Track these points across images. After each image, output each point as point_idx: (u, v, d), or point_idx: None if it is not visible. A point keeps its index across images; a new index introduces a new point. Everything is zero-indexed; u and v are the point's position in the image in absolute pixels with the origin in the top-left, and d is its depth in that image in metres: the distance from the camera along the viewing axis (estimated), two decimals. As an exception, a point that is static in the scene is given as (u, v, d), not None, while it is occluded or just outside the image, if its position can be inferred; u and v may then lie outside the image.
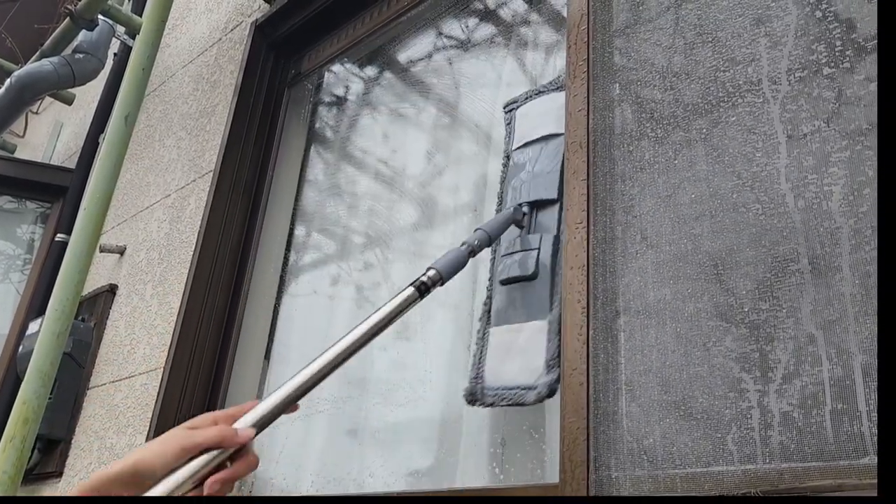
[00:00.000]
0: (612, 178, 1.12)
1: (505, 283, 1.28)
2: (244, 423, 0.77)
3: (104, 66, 3.03)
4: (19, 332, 2.64)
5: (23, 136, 4.25)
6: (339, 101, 2.18)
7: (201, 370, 1.89)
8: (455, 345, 1.47)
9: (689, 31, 1.11)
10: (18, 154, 3.95)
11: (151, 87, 2.79)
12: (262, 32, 2.28)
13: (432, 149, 1.79)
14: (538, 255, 1.24)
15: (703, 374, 0.93)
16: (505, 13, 1.74)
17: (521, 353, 1.20)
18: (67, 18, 2.82)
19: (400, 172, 1.85)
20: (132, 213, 2.54)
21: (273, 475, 1.72)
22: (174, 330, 1.92)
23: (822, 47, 0.96)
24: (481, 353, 1.28)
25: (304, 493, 1.60)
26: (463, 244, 1.14)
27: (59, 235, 2.74)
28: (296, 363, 1.86)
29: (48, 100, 3.64)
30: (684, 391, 0.93)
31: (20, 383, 1.75)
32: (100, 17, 2.84)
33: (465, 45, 1.81)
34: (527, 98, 1.43)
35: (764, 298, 0.91)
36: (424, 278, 1.04)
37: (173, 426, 1.89)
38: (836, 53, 0.95)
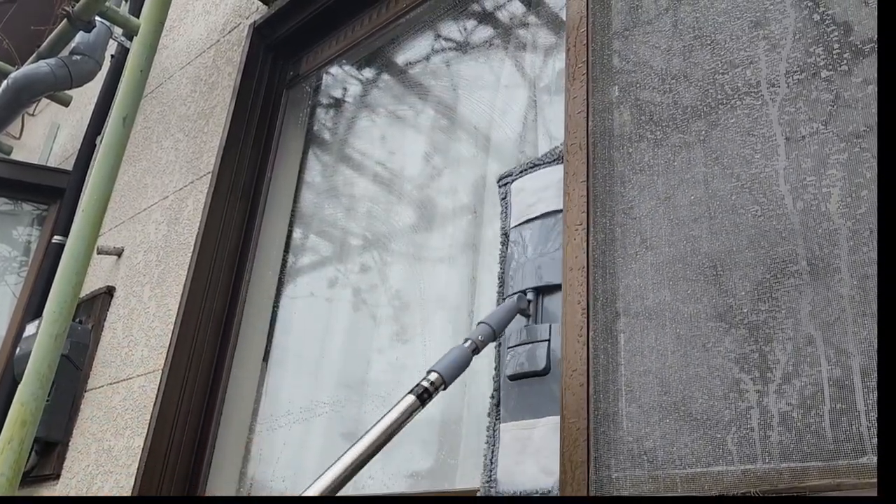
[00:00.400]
0: (611, 179, 1.13)
1: (514, 378, 1.18)
2: None
3: (101, 67, 3.02)
4: (16, 335, 2.64)
5: (19, 138, 4.24)
6: (338, 103, 2.18)
7: (200, 372, 1.89)
8: (454, 345, 1.48)
9: (688, 33, 1.12)
10: (15, 156, 3.94)
11: (149, 89, 2.79)
12: (260, 34, 2.28)
13: (431, 151, 1.79)
14: (548, 346, 1.15)
15: (703, 375, 0.93)
16: (504, 15, 1.75)
17: (535, 453, 1.12)
18: (65, 20, 2.81)
19: (398, 174, 1.85)
20: (130, 214, 2.54)
21: (272, 478, 1.72)
22: (172, 332, 1.92)
23: (819, 50, 0.97)
24: (493, 452, 1.17)
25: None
26: (466, 340, 1.07)
27: (56, 237, 2.73)
28: (294, 365, 1.86)
29: (45, 101, 3.63)
30: (684, 392, 0.94)
31: (17, 385, 1.75)
32: (97, 18, 2.84)
33: (463, 48, 1.82)
34: (522, 171, 1.32)
35: (763, 300, 0.91)
36: (426, 383, 0.98)
37: (172, 429, 1.88)
38: (834, 56, 0.95)
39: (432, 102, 1.85)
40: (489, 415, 1.22)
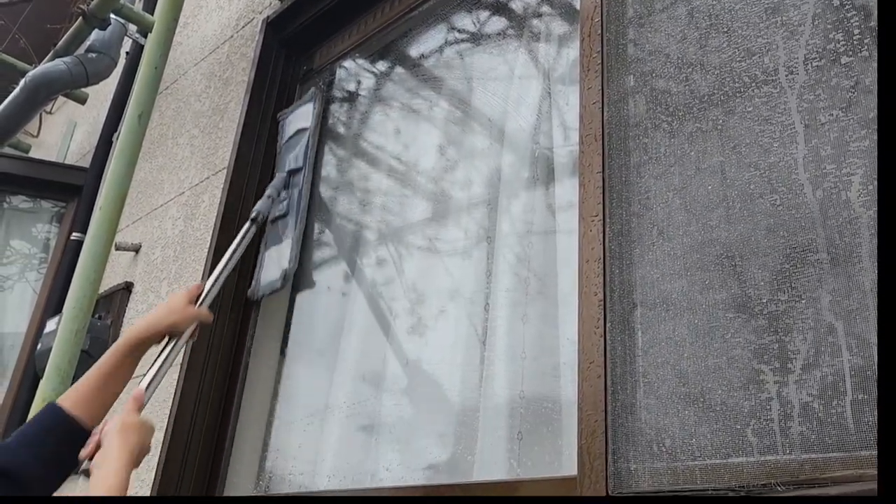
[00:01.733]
0: (626, 170, 1.12)
1: (273, 221, 1.93)
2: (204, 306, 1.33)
3: (117, 64, 3.04)
4: (37, 331, 2.67)
5: (37, 136, 4.28)
6: (351, 97, 2.18)
7: (217, 366, 1.90)
8: (470, 338, 1.48)
9: (704, 20, 1.11)
10: (33, 154, 3.98)
11: (164, 86, 2.80)
12: (274, 29, 2.28)
13: (445, 143, 1.79)
14: (289, 200, 1.91)
15: (722, 366, 0.92)
16: (517, 6, 1.74)
17: (277, 260, 1.86)
18: (80, 18, 2.84)
19: (412, 167, 1.85)
20: (146, 211, 2.55)
21: (290, 472, 1.73)
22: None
23: (839, 36, 0.95)
24: (259, 268, 1.94)
25: (322, 489, 1.60)
26: (267, 195, 1.77)
27: (74, 234, 2.76)
28: (312, 359, 1.87)
29: (61, 99, 3.66)
30: (703, 383, 0.93)
31: (39, 381, 1.77)
32: (112, 16, 2.86)
33: (477, 39, 1.81)
34: (291, 111, 2.12)
35: (782, 289, 0.90)
36: (254, 214, 1.62)
37: (191, 421, 1.89)
38: (854, 41, 0.94)
39: (446, 95, 1.85)
40: (259, 248, 1.99)
